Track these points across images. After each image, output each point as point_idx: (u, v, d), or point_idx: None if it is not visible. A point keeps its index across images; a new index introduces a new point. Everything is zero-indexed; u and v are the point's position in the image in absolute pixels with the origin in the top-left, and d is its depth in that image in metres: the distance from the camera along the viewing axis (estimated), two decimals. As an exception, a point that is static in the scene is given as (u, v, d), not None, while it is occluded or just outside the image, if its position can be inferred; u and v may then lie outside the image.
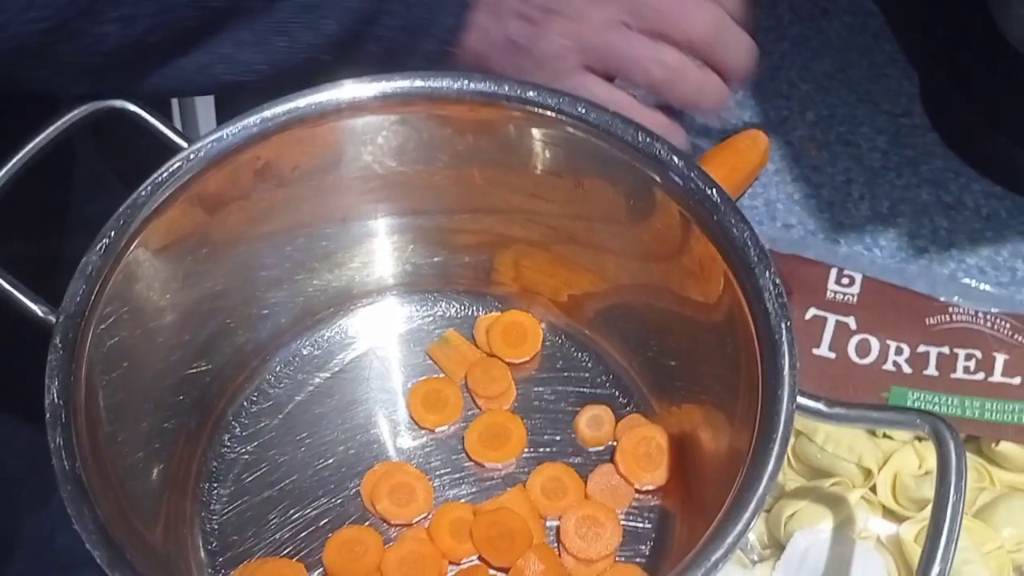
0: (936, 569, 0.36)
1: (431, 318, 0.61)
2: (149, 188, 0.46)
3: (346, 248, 0.58)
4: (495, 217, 0.58)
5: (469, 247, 0.60)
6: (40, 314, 0.44)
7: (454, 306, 0.61)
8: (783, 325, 0.42)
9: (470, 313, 0.61)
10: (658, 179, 0.48)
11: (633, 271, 0.54)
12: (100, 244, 0.44)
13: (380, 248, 0.60)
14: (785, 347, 0.41)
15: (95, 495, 0.38)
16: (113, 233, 0.44)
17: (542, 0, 0.53)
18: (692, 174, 0.47)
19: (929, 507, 0.48)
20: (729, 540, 0.37)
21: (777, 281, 0.43)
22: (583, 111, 0.50)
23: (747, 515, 0.37)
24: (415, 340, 0.60)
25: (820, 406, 0.43)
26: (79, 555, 0.37)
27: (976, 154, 0.69)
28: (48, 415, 0.39)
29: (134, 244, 0.45)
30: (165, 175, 0.46)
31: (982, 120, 0.68)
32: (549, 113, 0.50)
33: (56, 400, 0.39)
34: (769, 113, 0.73)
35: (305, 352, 0.59)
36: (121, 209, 0.45)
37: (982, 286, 0.61)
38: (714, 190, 0.46)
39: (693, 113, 0.62)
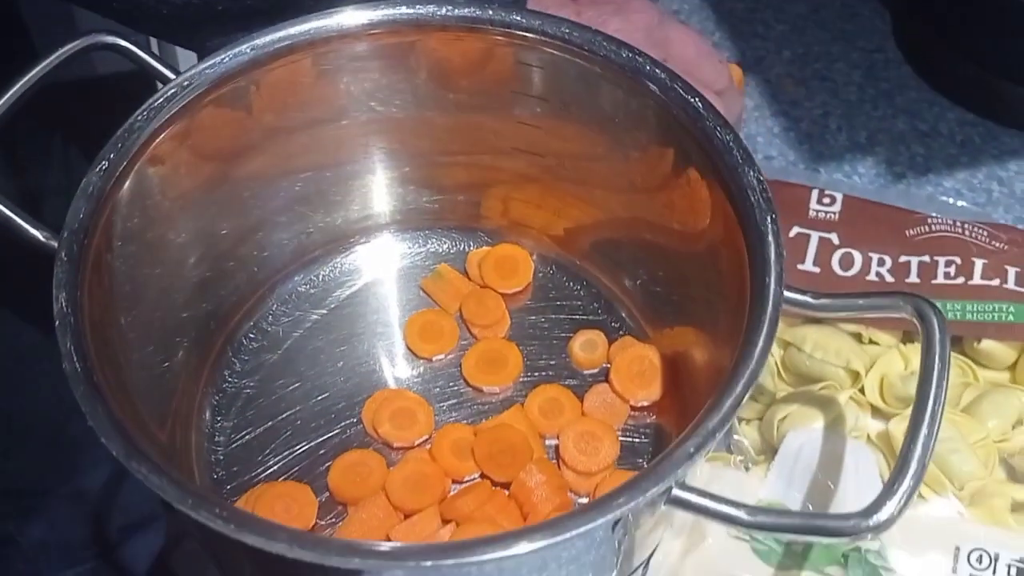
0: (923, 431, 0.37)
1: (424, 254, 0.62)
2: (145, 112, 0.47)
3: (339, 186, 0.60)
4: (483, 149, 0.59)
5: (458, 185, 0.61)
6: (42, 239, 0.45)
7: (445, 243, 0.63)
8: (769, 218, 0.43)
9: (462, 248, 0.62)
10: (642, 93, 0.50)
11: (621, 191, 0.56)
12: (100, 165, 0.45)
13: (372, 187, 0.61)
14: (771, 237, 0.43)
15: (107, 395, 0.39)
16: (112, 155, 0.45)
17: None
18: (675, 85, 0.48)
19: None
20: (728, 404, 0.38)
21: (761, 178, 0.44)
22: (567, 31, 0.51)
23: (739, 387, 0.39)
24: (409, 276, 0.61)
25: (807, 298, 0.44)
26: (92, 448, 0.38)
27: (949, 84, 0.71)
28: (57, 322, 0.40)
29: (134, 166, 0.46)
30: (161, 100, 0.47)
31: (953, 51, 0.70)
32: (532, 35, 0.51)
33: (64, 308, 0.40)
34: (746, 53, 0.74)
35: (302, 290, 0.61)
36: (119, 132, 0.46)
37: (959, 203, 0.63)
38: (696, 99, 0.48)
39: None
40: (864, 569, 0.47)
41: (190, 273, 0.54)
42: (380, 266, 0.62)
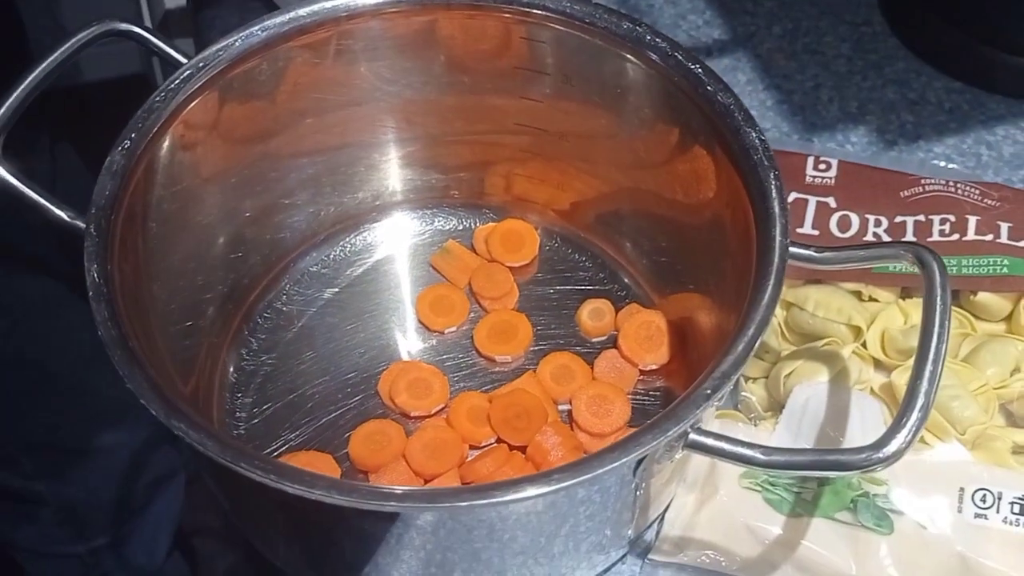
0: (929, 367, 0.39)
1: (432, 232, 0.64)
2: (163, 94, 0.48)
3: (350, 167, 0.61)
4: (487, 126, 0.60)
5: (464, 163, 0.63)
6: (67, 219, 0.47)
7: (452, 220, 0.64)
8: (771, 175, 0.45)
9: (468, 225, 0.64)
10: (644, 62, 0.51)
11: (624, 162, 0.57)
12: (122, 144, 0.46)
13: (381, 167, 0.62)
14: (774, 192, 0.44)
15: (142, 359, 0.40)
16: (133, 134, 0.47)
17: None
18: (676, 53, 0.50)
19: (916, 354, 0.52)
20: (741, 347, 0.40)
21: (763, 138, 0.46)
22: (567, 5, 0.53)
23: (752, 331, 0.40)
24: (418, 253, 0.63)
25: (811, 252, 0.46)
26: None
27: (935, 53, 0.72)
28: (91, 292, 0.41)
29: (154, 145, 0.47)
30: (178, 81, 0.49)
31: (939, 21, 0.72)
32: (534, 10, 0.53)
33: (97, 279, 0.42)
34: (737, 29, 0.76)
35: (314, 269, 0.62)
36: (139, 112, 0.47)
37: (950, 166, 0.65)
38: (697, 65, 0.49)
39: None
40: (873, 512, 0.49)
41: (209, 252, 0.55)
42: (390, 244, 0.63)
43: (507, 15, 0.54)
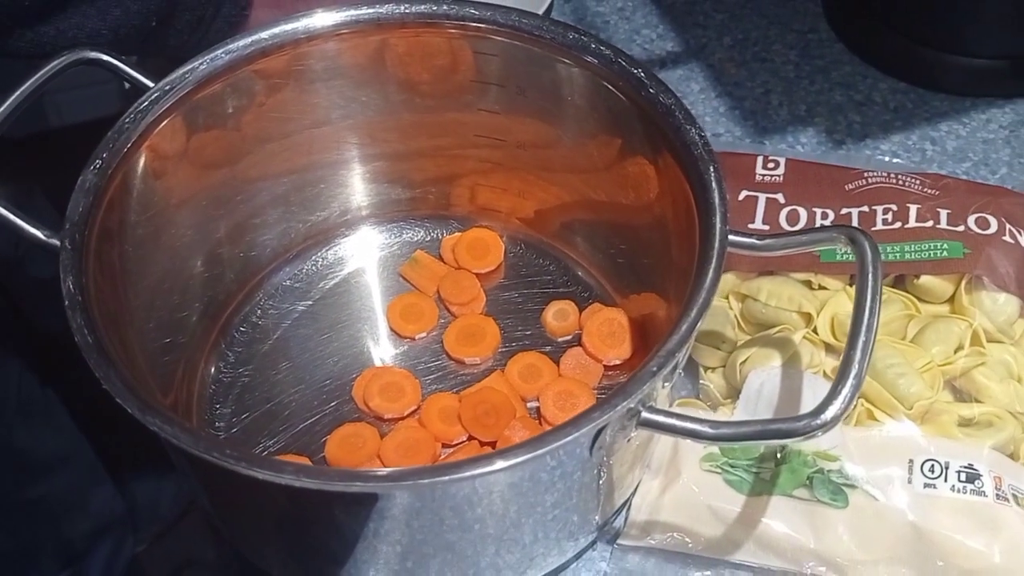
0: (862, 338, 0.41)
1: (400, 244, 0.66)
2: (132, 115, 0.51)
3: (317, 185, 0.63)
4: (448, 140, 0.63)
5: (428, 177, 0.65)
6: (42, 237, 0.49)
7: (420, 231, 0.67)
8: (711, 168, 0.48)
9: (435, 236, 0.66)
10: (589, 69, 0.54)
11: (579, 169, 0.60)
12: (94, 163, 0.48)
13: (348, 184, 0.65)
14: (714, 184, 0.47)
15: (117, 361, 0.42)
16: (105, 153, 0.49)
17: None
18: (619, 59, 0.53)
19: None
20: (684, 327, 0.42)
21: (703, 134, 0.49)
22: (515, 19, 0.55)
23: (693, 312, 0.42)
24: (388, 265, 0.65)
25: (752, 240, 0.48)
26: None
27: (879, 57, 0.76)
28: (67, 302, 0.43)
29: (125, 164, 0.50)
30: (146, 103, 0.51)
31: (882, 26, 0.75)
32: (485, 25, 0.56)
33: (72, 289, 0.44)
34: (689, 41, 0.79)
35: (287, 283, 0.64)
36: (110, 133, 0.50)
37: (895, 161, 0.67)
38: (639, 69, 0.52)
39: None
40: (828, 488, 0.51)
41: (184, 271, 0.58)
42: (360, 257, 0.66)
43: (457, 30, 0.56)
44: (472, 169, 0.64)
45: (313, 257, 0.65)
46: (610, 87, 0.53)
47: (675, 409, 0.42)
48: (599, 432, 0.42)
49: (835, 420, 0.40)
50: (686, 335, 0.42)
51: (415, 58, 0.59)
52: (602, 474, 0.48)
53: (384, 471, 0.38)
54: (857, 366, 0.41)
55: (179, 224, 0.56)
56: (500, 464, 0.39)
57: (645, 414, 0.42)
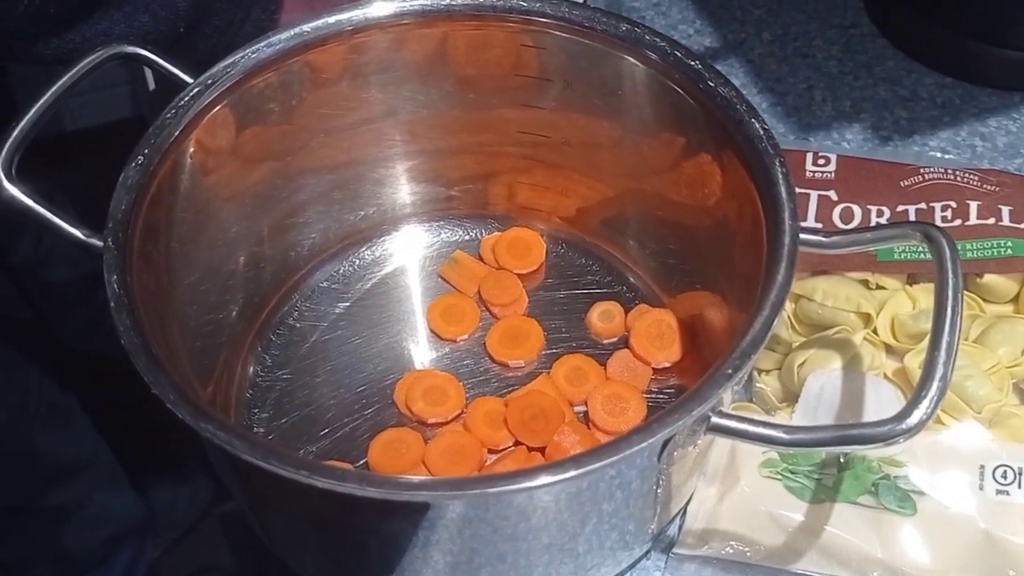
0: (946, 339, 0.40)
1: (439, 244, 0.64)
2: (174, 111, 0.49)
3: (357, 183, 0.62)
4: (491, 136, 0.61)
5: (468, 175, 0.64)
6: (82, 237, 0.47)
7: (459, 231, 0.65)
8: (777, 161, 0.46)
9: (475, 235, 0.65)
10: (642, 62, 0.52)
11: (628, 165, 0.58)
12: (136, 160, 0.47)
13: (387, 182, 0.63)
14: (781, 179, 0.45)
15: (166, 365, 0.40)
16: (146, 150, 0.47)
17: None
18: (675, 51, 0.51)
19: (927, 338, 0.53)
20: (758, 327, 0.40)
21: (766, 127, 0.47)
22: (565, 10, 0.53)
23: (767, 311, 0.41)
24: (427, 265, 0.64)
25: (820, 237, 0.46)
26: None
27: (924, 51, 0.74)
28: (112, 303, 0.42)
29: (167, 160, 0.48)
30: (187, 98, 0.50)
31: (925, 19, 0.73)
32: (533, 17, 0.54)
33: (117, 289, 0.42)
34: (727, 37, 0.77)
35: (324, 285, 0.62)
36: (151, 129, 0.48)
37: (947, 157, 0.65)
38: (697, 61, 0.50)
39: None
40: (895, 494, 0.49)
41: (224, 270, 0.56)
42: (398, 257, 0.64)
43: (506, 23, 0.54)
44: (513, 167, 0.62)
45: (351, 257, 0.63)
46: (666, 80, 0.51)
47: (747, 414, 0.40)
48: (668, 439, 0.40)
49: (920, 425, 0.38)
50: (760, 336, 0.40)
51: (460, 52, 0.57)
52: (661, 482, 0.46)
53: (448, 479, 0.37)
54: (942, 368, 0.39)
55: (223, 220, 0.54)
56: (572, 472, 0.37)
57: (715, 419, 0.40)
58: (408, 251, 0.64)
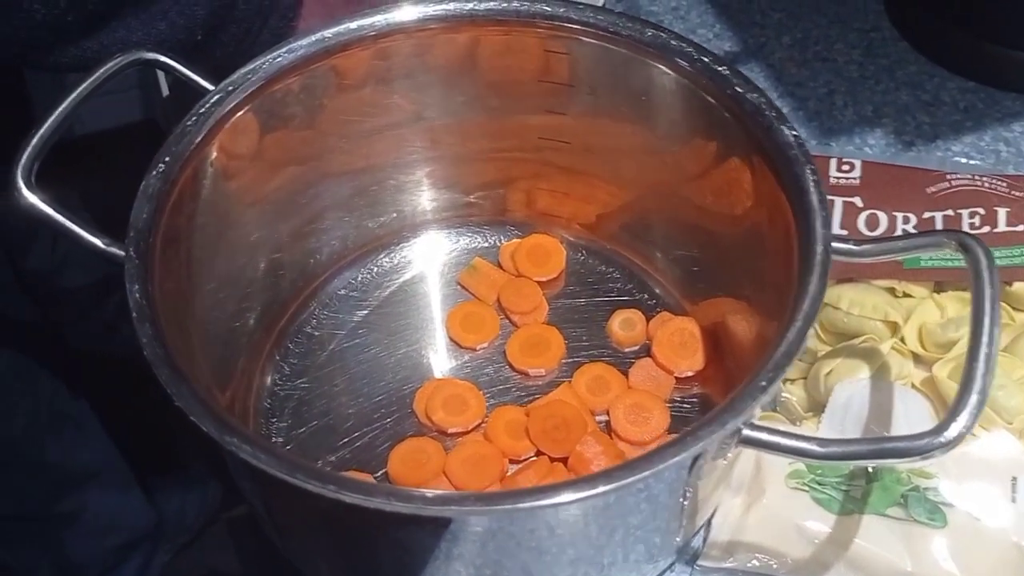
0: (983, 350, 0.39)
1: (457, 251, 0.64)
2: (195, 118, 0.48)
3: (376, 188, 0.61)
4: (511, 142, 0.60)
5: (487, 181, 0.63)
6: (102, 246, 0.46)
7: (478, 238, 0.64)
8: (807, 169, 0.45)
9: (494, 242, 0.64)
10: (669, 68, 0.52)
11: (651, 171, 0.57)
12: (156, 168, 0.46)
13: (406, 188, 0.62)
14: (812, 187, 0.44)
15: (189, 377, 0.40)
16: (167, 158, 0.47)
17: None
18: (702, 56, 0.50)
19: (956, 347, 0.52)
20: (792, 337, 0.40)
21: (796, 133, 0.46)
22: (590, 16, 0.53)
23: (800, 322, 0.40)
24: (445, 272, 0.63)
25: (850, 245, 0.46)
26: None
27: (946, 55, 0.73)
28: (135, 313, 0.41)
29: (187, 167, 0.47)
30: (208, 106, 0.49)
31: (947, 23, 0.72)
32: (557, 22, 0.53)
33: (139, 299, 0.42)
34: (747, 41, 0.77)
35: (341, 293, 0.62)
36: (171, 137, 0.47)
37: (971, 162, 0.65)
38: (724, 67, 0.49)
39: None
40: (925, 506, 0.48)
41: (243, 276, 0.56)
42: (417, 265, 0.63)
43: (531, 28, 0.54)
44: (534, 173, 0.62)
45: (369, 264, 0.63)
46: (693, 86, 0.50)
47: (776, 425, 0.40)
48: (700, 453, 0.40)
49: (959, 439, 0.37)
50: (794, 348, 0.40)
51: (483, 57, 0.56)
52: (688, 494, 0.45)
53: (475, 495, 0.36)
54: (980, 380, 0.38)
55: (243, 226, 0.54)
56: (603, 487, 0.37)
57: (747, 432, 0.39)
58: (427, 258, 0.63)
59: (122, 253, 0.45)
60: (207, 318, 0.53)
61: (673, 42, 0.51)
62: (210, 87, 0.52)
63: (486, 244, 0.64)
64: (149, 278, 0.43)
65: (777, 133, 0.47)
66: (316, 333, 0.60)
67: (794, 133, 0.46)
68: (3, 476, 0.96)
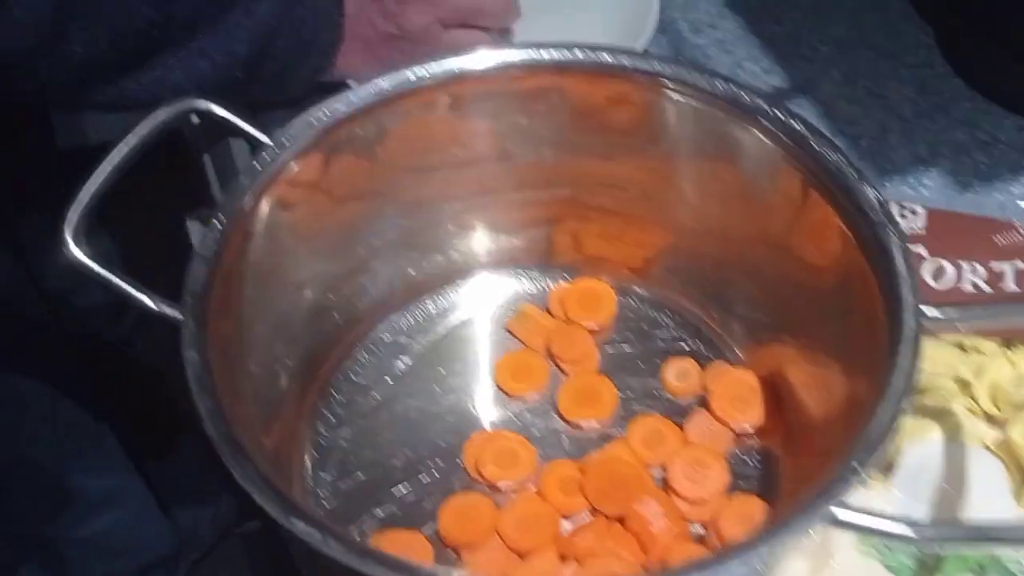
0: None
1: (506, 295, 0.62)
2: (250, 177, 0.47)
3: (426, 230, 0.59)
4: (566, 188, 0.59)
5: (537, 226, 0.61)
6: (155, 308, 0.44)
7: (524, 282, 0.62)
8: (893, 232, 0.43)
9: (542, 287, 0.62)
10: (740, 120, 0.50)
11: (713, 218, 0.55)
12: (213, 228, 0.44)
13: (455, 230, 0.60)
14: (898, 251, 0.42)
15: (250, 453, 0.38)
16: (223, 216, 0.45)
17: None
18: (775, 109, 0.48)
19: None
20: (887, 416, 0.38)
21: (880, 196, 0.44)
22: (658, 67, 0.51)
23: (895, 401, 0.38)
24: (493, 317, 0.61)
25: (944, 316, 0.43)
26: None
27: (1003, 92, 0.71)
28: (194, 387, 0.39)
29: (243, 226, 0.46)
30: (265, 160, 0.47)
31: (1005, 58, 0.71)
32: (636, 75, 0.51)
33: (199, 369, 0.40)
34: (795, 76, 0.75)
35: (386, 338, 0.60)
36: (226, 195, 0.46)
37: (1034, 208, 0.63)
38: (798, 121, 0.48)
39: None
40: (1001, 575, 0.47)
41: (291, 320, 0.54)
42: (463, 309, 0.61)
43: (595, 77, 0.52)
44: (585, 217, 0.60)
45: (414, 309, 0.61)
46: (765, 140, 0.49)
47: (872, 507, 0.38)
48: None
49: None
50: (888, 429, 0.38)
51: (555, 105, 0.54)
52: (760, 569, 0.43)
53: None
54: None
55: (295, 263, 0.52)
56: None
57: (841, 515, 0.37)
58: (473, 302, 0.62)
59: (175, 315, 0.43)
60: (252, 367, 0.51)
61: (745, 95, 0.49)
62: (262, 138, 0.50)
63: (534, 289, 0.62)
64: (205, 342, 0.41)
65: (857, 194, 0.45)
66: (361, 381, 0.58)
67: (877, 195, 0.44)
68: (24, 500, 0.95)
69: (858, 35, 0.77)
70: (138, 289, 0.45)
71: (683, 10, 0.79)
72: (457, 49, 0.64)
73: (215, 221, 0.45)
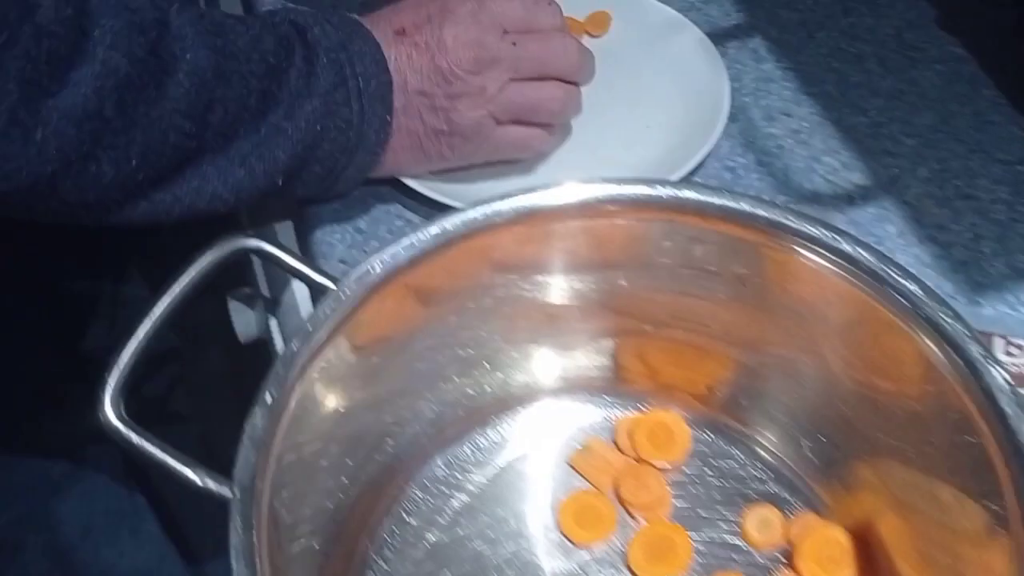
0: None
1: (569, 426, 0.57)
2: (299, 341, 0.42)
3: (489, 358, 0.55)
4: (634, 320, 0.54)
5: (605, 355, 0.57)
6: (200, 483, 0.41)
7: (590, 410, 0.58)
8: (997, 370, 0.39)
9: (608, 418, 0.58)
10: (826, 261, 0.45)
11: (801, 363, 0.51)
12: (263, 404, 0.40)
13: (520, 359, 0.56)
14: (1003, 395, 0.38)
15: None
16: (274, 390, 0.41)
17: (442, 91, 0.59)
18: (888, 268, 0.44)
19: None
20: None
21: (1008, 377, 0.40)
22: (741, 205, 0.46)
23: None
24: (555, 450, 0.56)
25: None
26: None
27: (1107, 196, 0.66)
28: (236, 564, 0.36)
29: (293, 396, 0.42)
30: (320, 316, 0.43)
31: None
32: (702, 211, 0.47)
33: (245, 567, 0.36)
34: (878, 172, 0.69)
35: (440, 474, 0.55)
36: (276, 365, 0.41)
37: None
38: (915, 284, 0.43)
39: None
40: None
41: (336, 480, 0.50)
42: (521, 441, 0.57)
43: (670, 214, 0.48)
44: (657, 348, 0.55)
45: (470, 441, 0.56)
46: (846, 276, 0.44)
47: None
48: None
49: None
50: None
51: (638, 241, 0.50)
52: None
53: None
54: None
55: (339, 435, 0.48)
56: None
57: None
58: (533, 433, 0.57)
59: (224, 493, 0.39)
60: (309, 526, 0.47)
61: (845, 244, 0.45)
62: (315, 277, 0.46)
63: (600, 420, 0.57)
64: (258, 524, 0.37)
65: (983, 374, 0.40)
66: (413, 522, 0.54)
67: (1006, 377, 0.40)
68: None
69: (945, 127, 0.71)
70: (183, 463, 0.41)
71: (755, 95, 0.74)
72: (513, 149, 0.61)
73: (267, 393, 0.40)
